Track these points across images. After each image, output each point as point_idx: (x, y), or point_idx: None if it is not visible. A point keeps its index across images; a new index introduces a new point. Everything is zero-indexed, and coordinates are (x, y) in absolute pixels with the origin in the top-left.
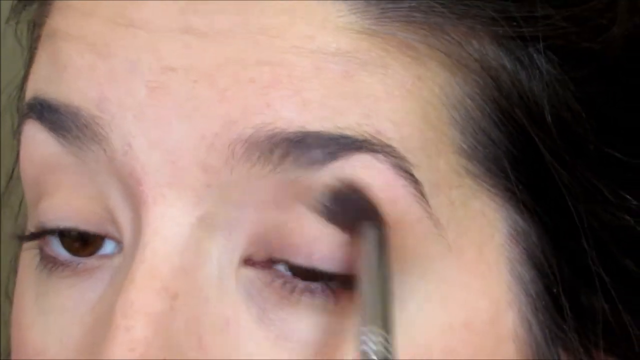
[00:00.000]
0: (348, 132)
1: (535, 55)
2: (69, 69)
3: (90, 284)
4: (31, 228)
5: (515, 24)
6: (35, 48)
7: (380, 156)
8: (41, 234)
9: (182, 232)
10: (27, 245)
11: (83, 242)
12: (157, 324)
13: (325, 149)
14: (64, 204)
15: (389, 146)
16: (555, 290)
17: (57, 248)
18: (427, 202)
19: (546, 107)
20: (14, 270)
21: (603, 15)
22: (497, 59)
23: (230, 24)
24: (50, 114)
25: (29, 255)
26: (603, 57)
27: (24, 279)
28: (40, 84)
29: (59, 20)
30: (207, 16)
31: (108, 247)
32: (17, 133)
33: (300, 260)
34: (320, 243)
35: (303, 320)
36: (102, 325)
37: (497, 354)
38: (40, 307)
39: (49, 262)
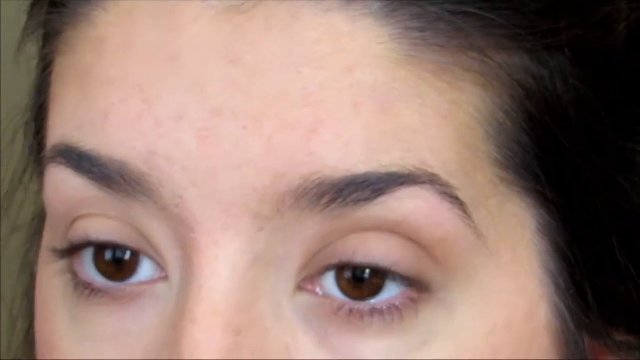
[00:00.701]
0: (393, 169)
1: (558, 60)
2: (111, 118)
3: (131, 312)
4: (64, 245)
5: (541, 35)
6: (48, 82)
7: (426, 186)
8: (78, 247)
9: (237, 271)
10: (59, 266)
11: (117, 265)
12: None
13: (372, 186)
14: (101, 222)
15: (434, 175)
16: (579, 278)
17: (90, 271)
18: (471, 219)
19: (570, 109)
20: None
21: (613, 16)
22: (525, 69)
23: (275, 53)
24: (90, 165)
25: (62, 279)
26: (613, 54)
27: (55, 301)
28: (70, 130)
29: (91, 60)
30: (253, 45)
31: (144, 270)
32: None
33: (360, 258)
34: (379, 243)
35: (366, 342)
36: None
37: (534, 346)
38: (76, 333)
39: (84, 288)
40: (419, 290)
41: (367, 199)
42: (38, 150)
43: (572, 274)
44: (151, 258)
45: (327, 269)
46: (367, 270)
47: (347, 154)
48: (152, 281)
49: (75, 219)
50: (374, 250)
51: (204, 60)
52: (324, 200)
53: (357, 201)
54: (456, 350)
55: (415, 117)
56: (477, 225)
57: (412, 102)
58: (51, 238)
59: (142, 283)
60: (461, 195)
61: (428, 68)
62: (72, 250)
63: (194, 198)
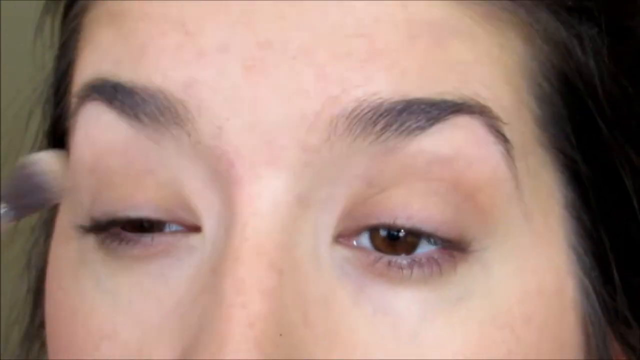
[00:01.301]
0: (448, 97)
1: (590, 31)
2: (149, 49)
3: (168, 262)
4: (93, 217)
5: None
6: (77, 34)
7: (476, 116)
8: (108, 224)
9: (280, 211)
10: (82, 239)
11: (144, 228)
12: (270, 299)
13: (427, 114)
14: (131, 194)
15: (486, 107)
16: (605, 261)
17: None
18: (514, 162)
19: (601, 83)
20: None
21: None
22: (562, 33)
23: None
24: (123, 96)
25: (82, 245)
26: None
27: (75, 265)
28: (106, 65)
29: (127, 1)
30: None
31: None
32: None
33: (402, 222)
34: (422, 204)
35: (403, 294)
36: (196, 306)
37: (563, 323)
38: (105, 288)
39: (112, 239)
40: (457, 249)
41: (422, 127)
42: (55, 129)
43: (598, 256)
44: (179, 223)
45: (365, 229)
46: (403, 230)
47: (403, 81)
48: (184, 232)
49: (103, 186)
50: (416, 213)
51: None
52: (379, 126)
53: (412, 129)
54: (490, 311)
55: (469, 53)
56: (518, 174)
57: (465, 39)
58: (73, 214)
59: (174, 233)
60: (508, 134)
61: (478, 10)
62: (98, 229)
63: (236, 129)
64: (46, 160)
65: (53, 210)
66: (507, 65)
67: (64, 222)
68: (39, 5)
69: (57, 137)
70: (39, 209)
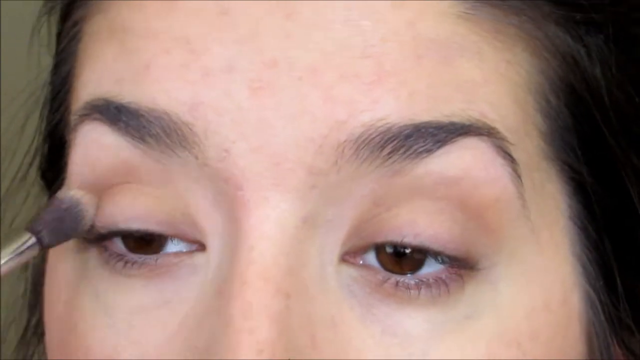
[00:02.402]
0: (455, 119)
1: (597, 40)
2: (152, 69)
3: (168, 282)
4: (94, 227)
5: (586, 10)
6: (74, 51)
7: (484, 138)
8: (107, 235)
9: (287, 233)
10: (81, 246)
11: (146, 242)
12: (278, 324)
13: (435, 137)
14: (132, 204)
15: (493, 128)
16: (610, 271)
17: (121, 246)
18: (521, 181)
19: (608, 93)
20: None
21: None
22: (570, 45)
23: (334, 7)
24: (128, 118)
25: (83, 259)
26: None
27: (76, 279)
28: (108, 84)
29: (129, 15)
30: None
31: (173, 246)
32: (48, 131)
33: (409, 240)
34: (429, 222)
35: (411, 315)
36: (201, 330)
37: (568, 335)
38: (105, 306)
39: (117, 259)
40: (464, 268)
41: (429, 150)
42: (53, 135)
43: (603, 266)
44: (181, 237)
45: (371, 247)
46: (409, 247)
47: (411, 103)
48: (188, 252)
49: (102, 199)
50: (423, 230)
51: (257, 15)
52: (386, 151)
53: (419, 152)
54: (498, 328)
55: (476, 71)
56: (524, 193)
57: (472, 57)
58: None
59: (177, 254)
60: (514, 154)
61: (485, 26)
62: (99, 239)
63: (242, 151)
64: (78, 197)
65: None
66: (514, 81)
67: None
68: (38, 5)
69: (55, 142)
70: (65, 240)
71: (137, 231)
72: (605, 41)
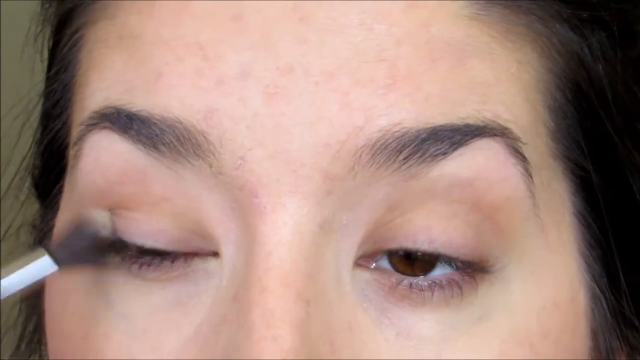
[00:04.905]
0: (470, 121)
1: (600, 37)
2: (165, 76)
3: (184, 287)
4: None
5: (592, 8)
6: (76, 58)
7: (498, 138)
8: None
9: (305, 239)
10: None
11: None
12: (301, 331)
13: (450, 139)
14: (146, 220)
15: (507, 128)
16: (614, 269)
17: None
18: (532, 180)
19: (612, 91)
20: None
21: None
22: (576, 43)
23: (347, 11)
24: (139, 127)
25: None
26: None
27: (85, 286)
28: (118, 92)
29: (138, 21)
30: (323, 3)
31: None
32: (43, 138)
33: (424, 246)
34: (443, 227)
35: (424, 317)
36: (219, 337)
37: (576, 332)
38: (119, 312)
39: (132, 262)
40: (478, 271)
41: (445, 153)
42: (51, 143)
43: (606, 263)
44: (196, 253)
45: (385, 252)
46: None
47: (426, 107)
48: (201, 256)
49: (115, 209)
50: (438, 236)
51: (270, 19)
52: (403, 156)
53: (435, 155)
54: (510, 328)
55: (488, 72)
56: (535, 191)
57: (484, 58)
58: None
59: (191, 258)
60: (526, 153)
61: (496, 27)
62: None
63: (258, 159)
64: (101, 220)
65: (47, 216)
66: (524, 81)
67: None
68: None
69: (52, 152)
70: (84, 264)
71: (148, 248)
72: (610, 39)
